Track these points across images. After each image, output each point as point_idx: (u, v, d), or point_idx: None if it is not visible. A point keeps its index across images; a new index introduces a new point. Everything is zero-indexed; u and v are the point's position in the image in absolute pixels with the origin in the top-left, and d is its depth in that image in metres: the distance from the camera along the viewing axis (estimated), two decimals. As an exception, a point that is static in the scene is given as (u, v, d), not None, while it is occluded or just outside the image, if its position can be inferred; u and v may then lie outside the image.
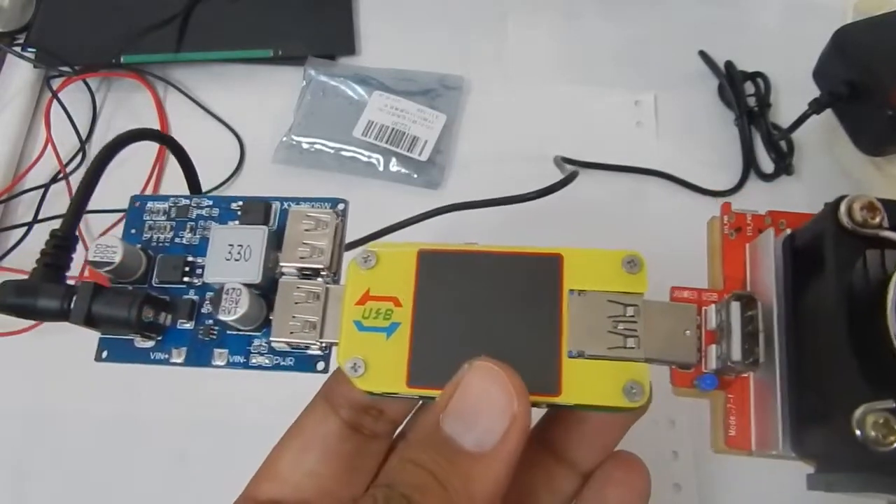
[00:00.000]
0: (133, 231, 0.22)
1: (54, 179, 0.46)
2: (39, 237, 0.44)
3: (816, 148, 0.45)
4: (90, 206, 0.48)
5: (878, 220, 0.17)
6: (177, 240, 0.22)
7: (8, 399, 0.41)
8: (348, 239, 0.39)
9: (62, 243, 0.22)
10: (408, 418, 0.23)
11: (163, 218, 0.22)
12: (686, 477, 0.37)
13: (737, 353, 0.18)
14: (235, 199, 0.22)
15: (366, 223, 0.44)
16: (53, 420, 0.40)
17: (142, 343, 0.21)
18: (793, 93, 0.43)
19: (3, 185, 0.45)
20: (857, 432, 0.15)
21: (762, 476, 0.37)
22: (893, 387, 0.16)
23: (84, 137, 0.47)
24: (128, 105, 0.49)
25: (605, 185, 0.44)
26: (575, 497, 0.22)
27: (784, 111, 0.46)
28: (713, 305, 0.20)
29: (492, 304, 0.19)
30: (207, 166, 0.46)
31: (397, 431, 0.23)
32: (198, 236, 0.22)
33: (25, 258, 0.44)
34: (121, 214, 0.44)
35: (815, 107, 0.40)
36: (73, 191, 0.45)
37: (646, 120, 0.46)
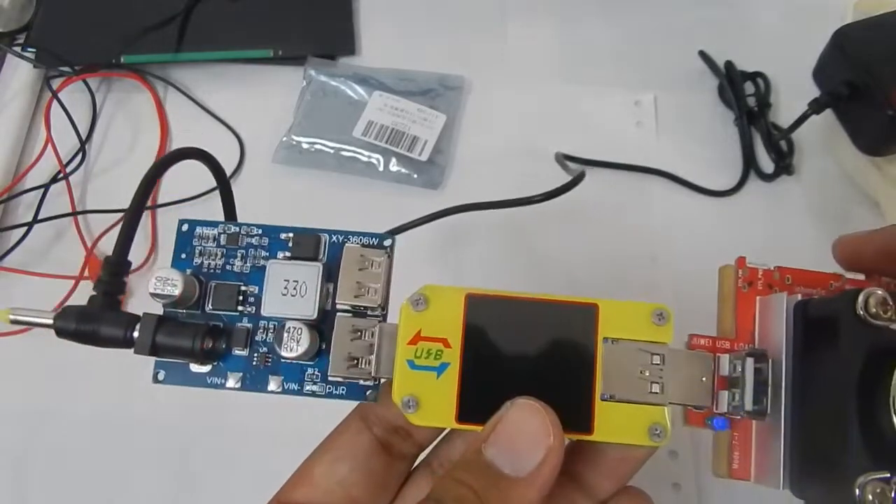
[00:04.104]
0: (183, 256, 0.23)
1: (54, 179, 0.46)
2: (39, 237, 0.45)
3: (816, 148, 0.45)
4: (90, 206, 0.48)
5: (889, 314, 0.19)
6: (228, 267, 0.23)
7: (8, 399, 0.41)
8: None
9: (117, 269, 0.23)
10: (433, 444, 0.25)
11: (213, 244, 0.23)
12: (686, 477, 0.37)
13: (749, 405, 0.21)
14: (285, 229, 0.23)
15: (366, 223, 0.44)
16: (53, 420, 0.40)
17: (198, 368, 0.22)
18: (793, 93, 0.44)
19: (3, 185, 0.45)
20: (857, 495, 0.18)
21: None
22: (890, 458, 0.18)
23: (84, 137, 0.47)
24: (128, 105, 0.49)
25: (605, 184, 0.44)
26: None
27: (784, 111, 0.46)
28: (727, 355, 0.22)
29: (533, 347, 0.21)
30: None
31: (421, 457, 0.25)
32: (248, 265, 0.23)
33: (26, 258, 0.44)
34: (121, 214, 0.44)
35: (815, 107, 0.40)
36: (72, 190, 0.46)
37: (646, 120, 0.46)
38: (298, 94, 0.48)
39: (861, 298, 0.19)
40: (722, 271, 0.24)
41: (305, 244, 0.22)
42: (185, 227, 0.23)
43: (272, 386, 0.22)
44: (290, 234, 0.23)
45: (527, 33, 0.50)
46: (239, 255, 0.23)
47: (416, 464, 0.25)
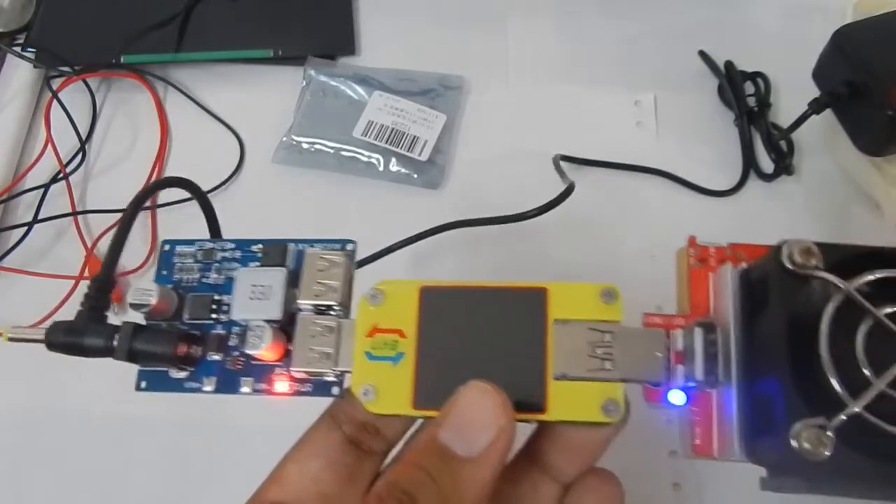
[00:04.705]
0: (164, 272, 0.25)
1: (54, 179, 0.46)
2: (39, 237, 0.45)
3: (816, 148, 0.45)
4: (90, 206, 0.48)
5: (813, 262, 0.20)
6: (204, 280, 0.24)
7: (7, 399, 0.41)
8: (357, 256, 0.39)
9: (103, 286, 0.24)
10: (404, 440, 0.25)
11: (190, 260, 0.25)
12: (686, 476, 0.37)
13: (700, 374, 0.21)
14: (255, 241, 0.24)
15: (366, 223, 0.44)
16: (52, 420, 0.40)
17: (176, 374, 0.23)
18: (793, 93, 0.43)
19: (3, 185, 0.45)
20: (794, 444, 0.18)
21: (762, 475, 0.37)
22: (826, 407, 0.18)
23: (84, 137, 0.47)
24: (128, 105, 0.49)
25: (605, 184, 0.44)
26: None
27: (784, 111, 0.46)
28: (680, 330, 0.22)
29: (486, 333, 0.22)
30: (207, 166, 0.46)
31: (391, 455, 0.25)
32: (223, 276, 0.24)
33: (26, 258, 0.44)
34: (122, 215, 0.44)
35: (815, 107, 0.40)
36: (72, 190, 0.46)
37: (646, 120, 0.46)
38: (298, 94, 0.48)
39: (785, 250, 0.20)
40: (678, 254, 0.24)
41: (273, 253, 0.24)
42: (167, 247, 0.25)
43: (244, 388, 0.23)
44: (260, 246, 0.24)
45: (527, 33, 0.50)
46: (214, 268, 0.24)
47: (388, 460, 0.25)
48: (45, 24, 0.50)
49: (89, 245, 0.44)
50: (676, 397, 0.22)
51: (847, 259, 0.20)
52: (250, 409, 0.38)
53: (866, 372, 0.19)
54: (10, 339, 0.23)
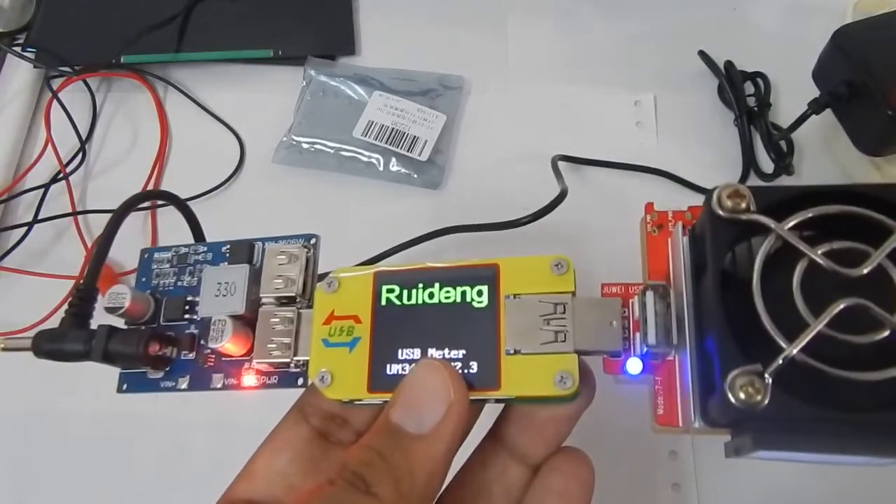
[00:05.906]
0: (143, 279, 0.25)
1: (54, 179, 0.46)
2: (39, 237, 0.45)
3: (816, 148, 0.45)
4: (90, 206, 0.48)
5: (744, 205, 0.19)
6: (179, 283, 0.25)
7: (8, 399, 0.41)
8: (355, 261, 0.40)
9: (85, 295, 0.25)
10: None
11: (167, 266, 0.25)
12: (685, 477, 0.37)
13: (652, 338, 0.20)
14: (225, 243, 0.25)
15: (366, 223, 0.44)
16: (54, 420, 0.40)
17: (153, 374, 0.24)
18: (793, 93, 0.43)
19: (3, 185, 0.45)
20: (730, 395, 0.17)
21: (762, 475, 0.37)
22: (767, 355, 0.17)
23: (84, 137, 0.47)
24: (128, 105, 0.49)
25: (604, 184, 0.44)
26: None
27: (784, 111, 0.46)
28: (637, 297, 0.21)
29: (441, 314, 0.22)
30: (207, 167, 0.46)
31: None
32: (196, 278, 0.25)
33: (26, 258, 0.44)
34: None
35: (815, 107, 0.40)
36: (72, 190, 0.46)
37: (646, 120, 0.46)
38: (298, 94, 0.48)
39: (715, 196, 0.19)
40: (640, 223, 0.24)
41: (239, 251, 0.24)
42: (146, 255, 0.26)
43: (215, 383, 0.23)
44: (228, 246, 0.25)
45: (527, 33, 0.50)
46: (188, 271, 0.25)
47: None
48: (45, 24, 0.50)
49: (89, 245, 0.44)
50: (633, 366, 0.21)
51: (781, 202, 0.19)
52: (251, 407, 0.38)
53: (804, 314, 0.18)
54: (3, 349, 0.24)
